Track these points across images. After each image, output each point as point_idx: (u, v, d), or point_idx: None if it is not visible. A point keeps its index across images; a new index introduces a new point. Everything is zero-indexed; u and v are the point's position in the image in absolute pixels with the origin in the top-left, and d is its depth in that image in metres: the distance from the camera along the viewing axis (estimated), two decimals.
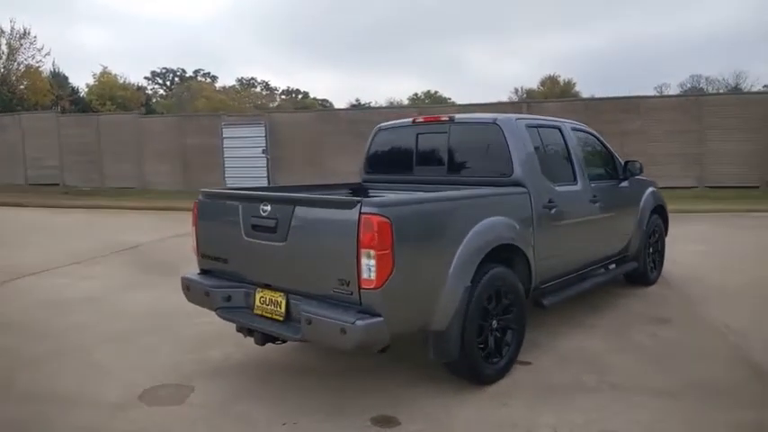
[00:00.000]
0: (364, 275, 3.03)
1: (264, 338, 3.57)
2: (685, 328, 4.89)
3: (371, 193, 5.15)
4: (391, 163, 5.16)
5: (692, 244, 8.42)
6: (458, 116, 4.70)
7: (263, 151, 18.45)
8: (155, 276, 7.36)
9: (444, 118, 4.73)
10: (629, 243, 5.80)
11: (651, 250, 6.22)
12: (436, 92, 56.29)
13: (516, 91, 49.50)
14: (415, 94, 56.73)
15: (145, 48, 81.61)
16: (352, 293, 3.10)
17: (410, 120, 5.02)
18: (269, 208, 3.50)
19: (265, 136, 18.41)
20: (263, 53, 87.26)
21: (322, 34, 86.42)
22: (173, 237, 10.64)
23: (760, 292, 5.98)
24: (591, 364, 4.12)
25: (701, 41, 67.33)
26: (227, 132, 18.79)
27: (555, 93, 43.26)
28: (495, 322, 3.77)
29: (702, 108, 15.73)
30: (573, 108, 16.69)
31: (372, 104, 47.75)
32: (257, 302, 3.64)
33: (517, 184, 4.22)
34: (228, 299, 3.77)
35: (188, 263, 8.14)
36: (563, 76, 47.44)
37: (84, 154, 20.65)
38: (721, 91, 34.77)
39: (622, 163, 5.72)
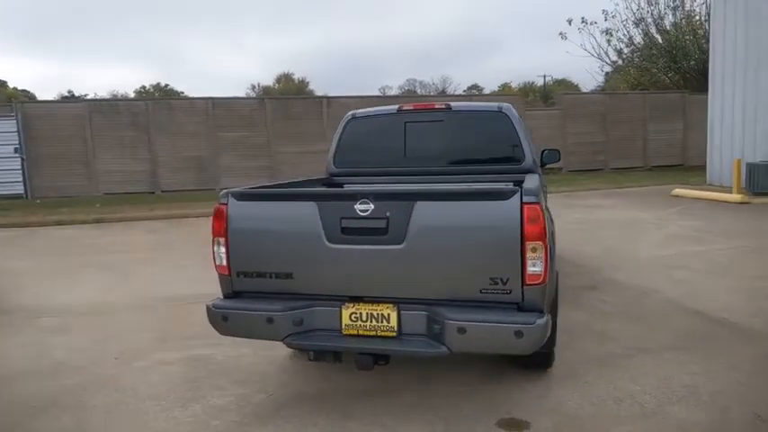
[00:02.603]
0: (530, 270, 2.79)
1: (375, 360, 2.99)
2: (616, 293, 5.62)
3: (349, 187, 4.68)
4: (372, 154, 4.74)
5: None
6: (455, 104, 4.58)
7: (16, 150, 14.85)
8: None
9: (440, 106, 4.55)
10: None
11: None
12: (167, 84, 52.79)
13: (253, 87, 49.52)
14: (144, 87, 52.21)
15: None
16: (510, 292, 2.82)
17: (395, 107, 4.67)
18: (371, 206, 2.94)
19: (18, 131, 14.82)
20: None
21: (21, 14, 72.83)
22: None
23: (620, 257, 7.20)
24: (595, 334, 4.49)
25: (413, 49, 77.07)
26: None
27: (291, 90, 44.34)
28: None
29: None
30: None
31: (89, 96, 42.28)
32: (347, 320, 3.03)
33: (529, 171, 4.33)
34: (300, 322, 3.06)
35: (18, 292, 6.26)
36: (297, 75, 49.28)
37: None
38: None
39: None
